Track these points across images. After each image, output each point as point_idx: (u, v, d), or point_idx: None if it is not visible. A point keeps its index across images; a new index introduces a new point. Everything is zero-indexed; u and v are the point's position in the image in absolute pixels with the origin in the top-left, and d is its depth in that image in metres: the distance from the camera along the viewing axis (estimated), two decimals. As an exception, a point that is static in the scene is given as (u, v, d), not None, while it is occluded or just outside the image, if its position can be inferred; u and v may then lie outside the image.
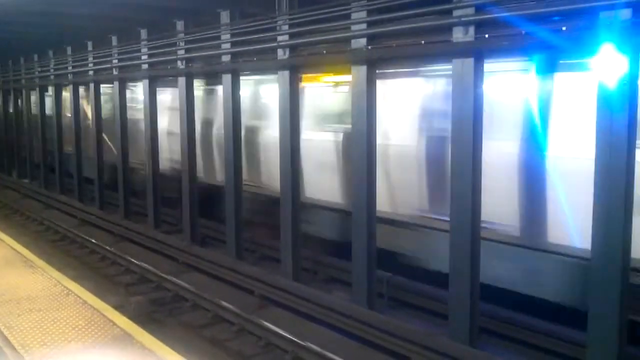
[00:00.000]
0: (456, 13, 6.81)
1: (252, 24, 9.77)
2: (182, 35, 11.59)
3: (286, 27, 9.09)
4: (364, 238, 8.26)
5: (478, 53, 6.77)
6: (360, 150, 8.25)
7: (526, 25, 6.13)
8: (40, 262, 9.29)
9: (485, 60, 6.88)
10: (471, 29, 6.73)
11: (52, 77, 18.32)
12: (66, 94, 18.52)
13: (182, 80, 12.01)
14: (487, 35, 6.65)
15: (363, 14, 7.93)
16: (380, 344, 7.71)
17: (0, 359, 5.72)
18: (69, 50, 16.71)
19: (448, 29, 6.98)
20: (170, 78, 13.21)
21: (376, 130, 8.23)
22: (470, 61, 6.79)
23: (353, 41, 8.17)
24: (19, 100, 22.78)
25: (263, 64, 10.43)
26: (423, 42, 7.47)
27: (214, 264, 10.93)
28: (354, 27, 8.10)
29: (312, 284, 9.85)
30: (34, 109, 21.09)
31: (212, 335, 8.69)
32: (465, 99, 6.88)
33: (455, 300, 7.19)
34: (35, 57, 19.25)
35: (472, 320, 7.06)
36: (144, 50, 12.94)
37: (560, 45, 6.11)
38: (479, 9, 6.59)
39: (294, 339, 7.92)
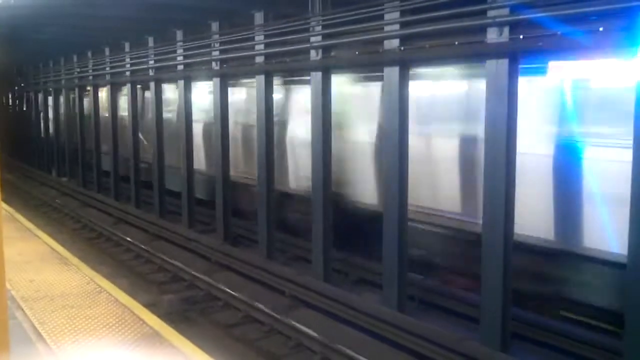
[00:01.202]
0: (490, 14, 6.73)
1: (285, 25, 9.79)
2: (216, 36, 11.68)
3: (319, 28, 9.08)
4: (395, 240, 8.20)
5: (513, 54, 6.67)
6: (392, 151, 8.19)
7: (562, 26, 6.01)
8: (74, 260, 9.43)
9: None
10: (506, 30, 6.63)
11: (90, 77, 18.65)
12: (104, 94, 18.87)
13: (216, 81, 12.09)
14: (521, 36, 6.54)
15: (396, 15, 7.88)
16: (411, 347, 7.64)
17: (33, 354, 5.81)
18: (106, 51, 16.98)
19: (482, 29, 6.89)
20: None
21: (408, 130, 8.18)
22: (504, 62, 6.69)
23: (386, 42, 8.12)
24: (59, 101, 23.23)
25: (296, 64, 10.44)
26: (457, 42, 7.39)
27: (246, 263, 10.98)
28: (387, 28, 8.05)
29: (343, 285, 9.81)
30: (73, 109, 21.50)
31: (243, 335, 8.73)
32: (499, 100, 6.78)
33: (487, 305, 7.09)
34: (75, 57, 19.61)
35: (504, 325, 6.96)
36: (180, 51, 13.07)
37: (597, 46, 5.98)
38: (513, 9, 6.50)
39: (323, 340, 7.91)
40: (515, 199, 6.93)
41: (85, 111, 20.40)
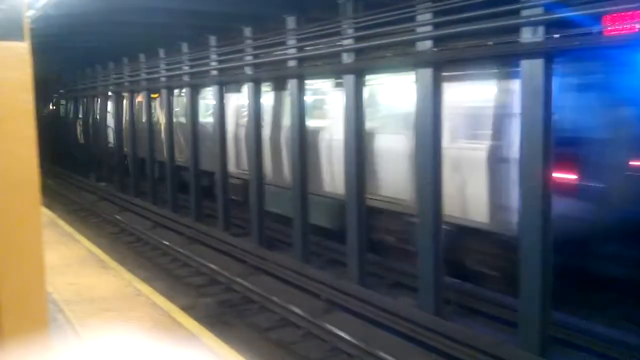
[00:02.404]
0: (524, 13, 6.65)
1: (317, 28, 9.81)
2: (249, 41, 11.75)
3: (351, 30, 9.08)
4: (430, 243, 8.15)
5: (547, 54, 6.58)
6: (425, 153, 8.15)
7: (598, 24, 5.91)
8: (113, 263, 9.58)
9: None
10: (540, 29, 6.55)
11: (126, 83, 18.91)
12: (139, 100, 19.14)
13: (250, 86, 12.17)
14: (556, 36, 6.44)
15: (428, 16, 7.83)
16: (447, 351, 7.58)
17: (74, 355, 5.93)
18: (142, 57, 17.19)
19: (516, 29, 6.81)
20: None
21: (441, 133, 8.12)
22: (539, 62, 6.60)
23: (418, 43, 8.08)
24: (95, 107, 23.62)
25: (328, 68, 10.45)
26: (490, 43, 7.31)
27: (281, 266, 11.03)
28: (419, 30, 8.01)
29: (378, 289, 9.78)
30: (109, 115, 21.85)
31: (279, 338, 8.75)
32: (535, 101, 6.69)
33: (525, 309, 7.00)
34: (111, 64, 19.91)
35: (543, 330, 6.86)
36: (214, 56, 13.18)
37: (636, 44, 5.86)
38: (548, 8, 6.41)
39: (359, 344, 7.90)
40: (551, 200, 6.83)
41: (122, 117, 20.70)
